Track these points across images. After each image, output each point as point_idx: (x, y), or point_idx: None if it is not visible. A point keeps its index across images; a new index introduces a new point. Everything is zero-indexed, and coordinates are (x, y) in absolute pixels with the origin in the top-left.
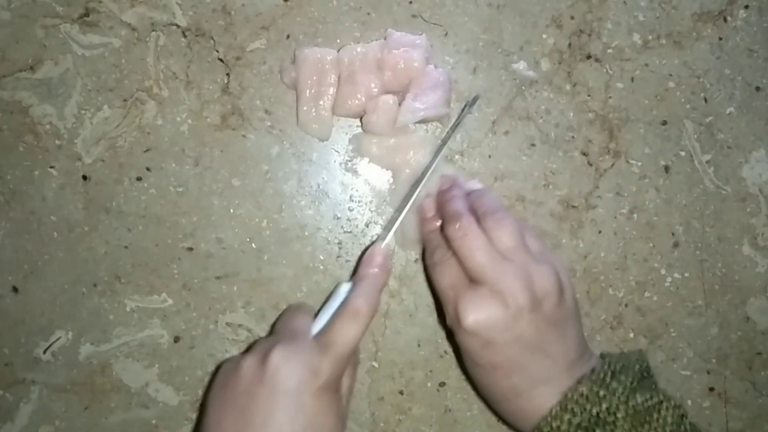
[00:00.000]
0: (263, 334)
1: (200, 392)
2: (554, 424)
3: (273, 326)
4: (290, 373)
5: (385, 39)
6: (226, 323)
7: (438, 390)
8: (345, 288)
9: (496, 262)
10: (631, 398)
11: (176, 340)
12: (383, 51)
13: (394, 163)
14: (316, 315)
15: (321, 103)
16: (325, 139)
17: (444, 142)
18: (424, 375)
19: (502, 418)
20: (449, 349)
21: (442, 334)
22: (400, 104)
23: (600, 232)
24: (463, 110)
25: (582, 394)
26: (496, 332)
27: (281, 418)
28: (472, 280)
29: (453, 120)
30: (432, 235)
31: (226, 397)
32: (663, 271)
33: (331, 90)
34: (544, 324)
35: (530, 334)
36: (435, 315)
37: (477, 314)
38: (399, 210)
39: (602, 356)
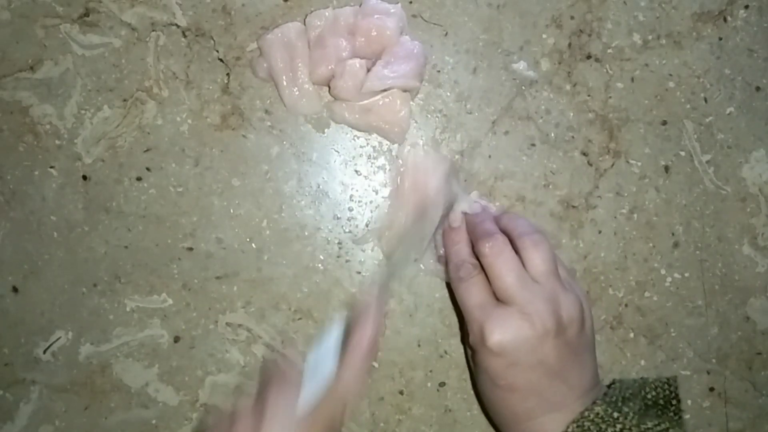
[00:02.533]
0: (263, 334)
1: (200, 392)
2: None
3: (260, 387)
4: None
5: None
6: (226, 323)
7: (438, 390)
8: (329, 354)
9: (527, 284)
10: (643, 422)
11: (176, 340)
12: (357, 16)
13: (370, 126)
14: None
15: (299, 77)
16: (316, 112)
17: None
18: (424, 375)
19: None
20: (449, 349)
21: (442, 334)
22: (369, 71)
23: (600, 232)
24: None
25: (598, 414)
26: (522, 353)
27: None
28: (500, 299)
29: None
30: (457, 248)
31: None
32: (663, 271)
33: (305, 60)
34: (565, 350)
35: (552, 359)
36: (435, 315)
37: (504, 334)
38: (406, 249)
39: (612, 383)
